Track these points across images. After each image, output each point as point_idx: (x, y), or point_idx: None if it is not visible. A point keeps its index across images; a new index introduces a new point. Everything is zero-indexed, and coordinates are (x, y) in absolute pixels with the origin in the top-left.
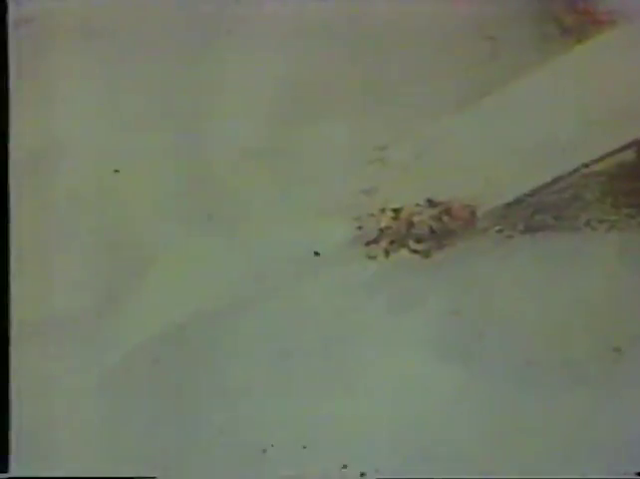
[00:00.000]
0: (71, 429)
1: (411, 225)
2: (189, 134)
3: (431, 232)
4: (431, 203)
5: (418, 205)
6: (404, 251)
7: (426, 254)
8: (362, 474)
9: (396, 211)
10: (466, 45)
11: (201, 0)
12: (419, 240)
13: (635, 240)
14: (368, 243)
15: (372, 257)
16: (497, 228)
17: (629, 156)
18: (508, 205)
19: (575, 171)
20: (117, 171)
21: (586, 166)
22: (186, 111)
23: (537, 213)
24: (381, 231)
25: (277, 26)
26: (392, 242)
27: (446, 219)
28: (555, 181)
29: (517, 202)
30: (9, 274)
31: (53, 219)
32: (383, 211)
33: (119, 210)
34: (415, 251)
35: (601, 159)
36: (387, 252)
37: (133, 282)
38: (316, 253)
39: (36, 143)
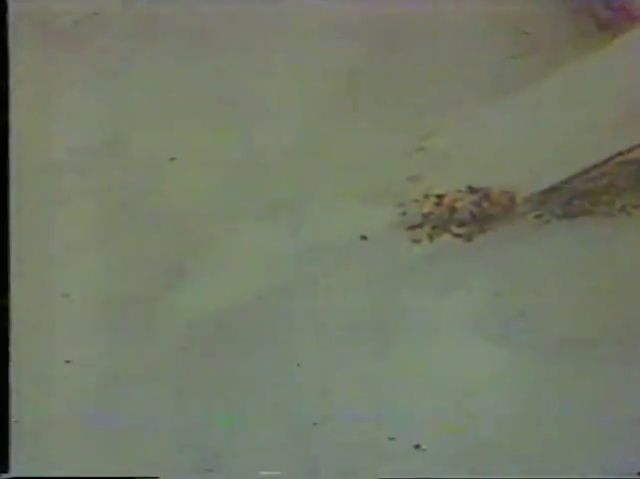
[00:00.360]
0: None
1: (453, 210)
2: (244, 122)
3: (472, 216)
4: (471, 189)
5: (459, 191)
6: (446, 236)
7: (467, 238)
8: (416, 446)
9: (439, 197)
10: (504, 40)
11: None
12: (461, 225)
13: None
14: (412, 228)
15: (416, 241)
16: (536, 213)
17: None
18: (546, 191)
19: (610, 159)
20: (173, 159)
21: (621, 154)
22: (240, 100)
23: (574, 199)
24: (424, 216)
25: (322, 21)
26: (434, 227)
27: (485, 204)
28: (590, 169)
29: (554, 189)
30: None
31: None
32: (426, 197)
33: (178, 195)
34: (457, 235)
35: (635, 147)
36: (430, 237)
37: (197, 262)
38: (363, 237)
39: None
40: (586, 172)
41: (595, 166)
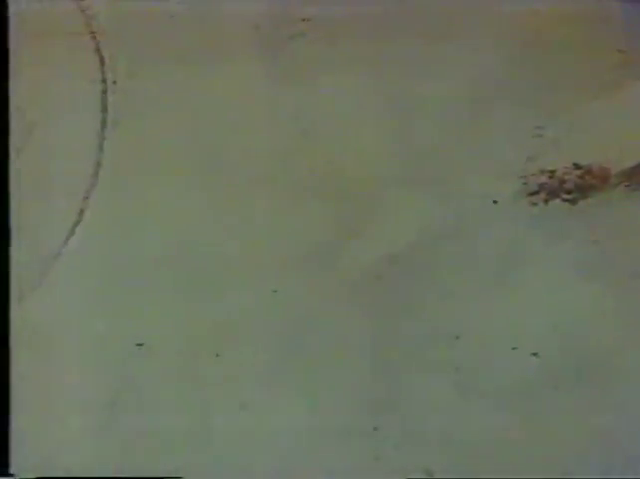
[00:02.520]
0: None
1: (562, 181)
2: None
3: (576, 186)
4: (576, 166)
5: (567, 167)
6: (557, 200)
7: (573, 202)
8: (534, 354)
9: (551, 171)
10: (600, 56)
11: None
12: (568, 192)
13: None
14: (531, 194)
15: (534, 204)
16: (626, 183)
17: None
18: (634, 166)
19: None
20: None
21: None
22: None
23: None
24: (540, 185)
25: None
26: (548, 194)
27: (588, 177)
28: None
29: None
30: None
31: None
32: (542, 171)
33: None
34: (565, 200)
35: None
36: (545, 200)
37: (369, 220)
38: (495, 201)
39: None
40: None
41: None
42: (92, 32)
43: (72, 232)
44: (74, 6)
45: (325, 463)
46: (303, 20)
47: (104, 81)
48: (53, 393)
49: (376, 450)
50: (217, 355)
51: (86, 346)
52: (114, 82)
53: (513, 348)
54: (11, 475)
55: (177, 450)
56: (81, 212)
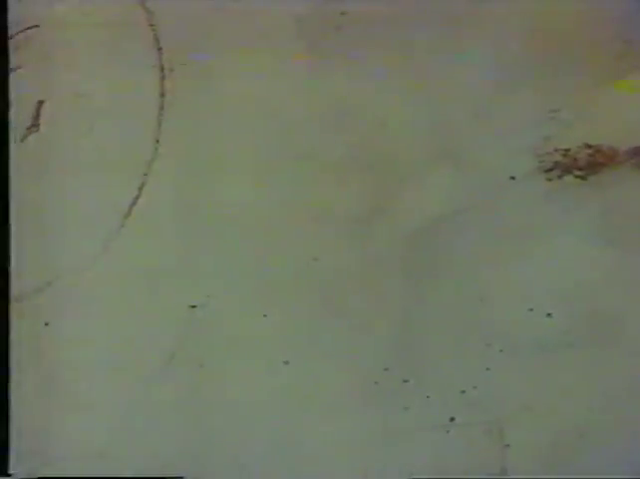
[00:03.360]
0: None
1: (574, 160)
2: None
3: (587, 164)
4: (587, 146)
5: (578, 147)
6: (570, 177)
7: (584, 178)
8: (548, 314)
9: (565, 150)
10: (608, 46)
11: None
12: (579, 169)
13: None
14: (547, 171)
15: (549, 179)
16: (633, 161)
17: None
18: (639, 146)
19: None
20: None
21: None
22: None
23: None
24: (555, 163)
25: None
26: (562, 171)
27: (597, 155)
28: None
29: None
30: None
31: None
32: (556, 150)
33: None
34: (577, 176)
35: None
36: (559, 176)
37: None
38: (512, 178)
39: None
40: None
41: None
42: (151, 24)
43: (134, 203)
44: (136, 2)
45: (358, 414)
46: (342, 14)
47: (162, 69)
48: (100, 357)
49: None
50: (264, 315)
51: (147, 307)
52: (171, 69)
53: (529, 309)
54: (9, 475)
55: (228, 400)
56: (142, 186)
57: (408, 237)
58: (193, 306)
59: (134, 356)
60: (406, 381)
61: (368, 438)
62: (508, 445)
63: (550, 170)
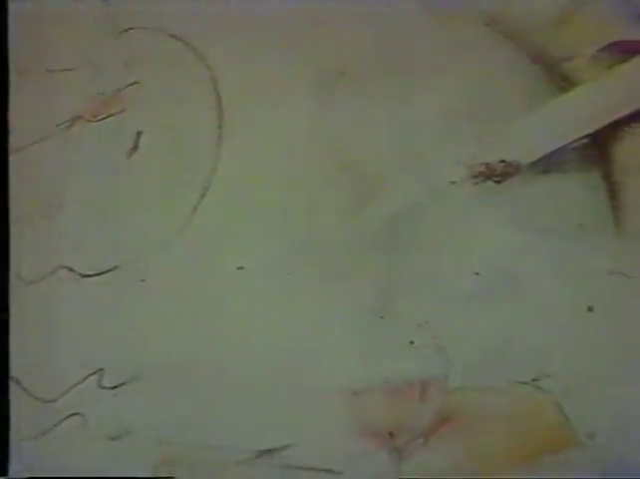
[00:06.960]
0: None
1: (493, 169)
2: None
3: (502, 173)
4: (501, 160)
5: (495, 161)
6: (490, 182)
7: (499, 182)
8: (476, 273)
9: (487, 164)
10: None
11: None
12: (497, 176)
13: None
14: (473, 177)
15: (476, 184)
16: (532, 171)
17: None
18: (536, 160)
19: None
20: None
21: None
22: None
23: (548, 165)
24: (480, 172)
25: None
26: (485, 177)
27: (508, 167)
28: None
29: (539, 160)
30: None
31: None
32: (481, 164)
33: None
34: (495, 181)
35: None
36: (483, 181)
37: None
38: (453, 182)
39: None
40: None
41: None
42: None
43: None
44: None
45: (350, 336)
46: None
47: (212, 79)
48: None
49: (381, 330)
50: (287, 274)
51: (198, 267)
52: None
53: (465, 270)
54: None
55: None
56: (207, 180)
57: (386, 220)
58: (240, 268)
59: None
60: (382, 317)
61: (354, 353)
62: (449, 360)
63: (477, 176)
